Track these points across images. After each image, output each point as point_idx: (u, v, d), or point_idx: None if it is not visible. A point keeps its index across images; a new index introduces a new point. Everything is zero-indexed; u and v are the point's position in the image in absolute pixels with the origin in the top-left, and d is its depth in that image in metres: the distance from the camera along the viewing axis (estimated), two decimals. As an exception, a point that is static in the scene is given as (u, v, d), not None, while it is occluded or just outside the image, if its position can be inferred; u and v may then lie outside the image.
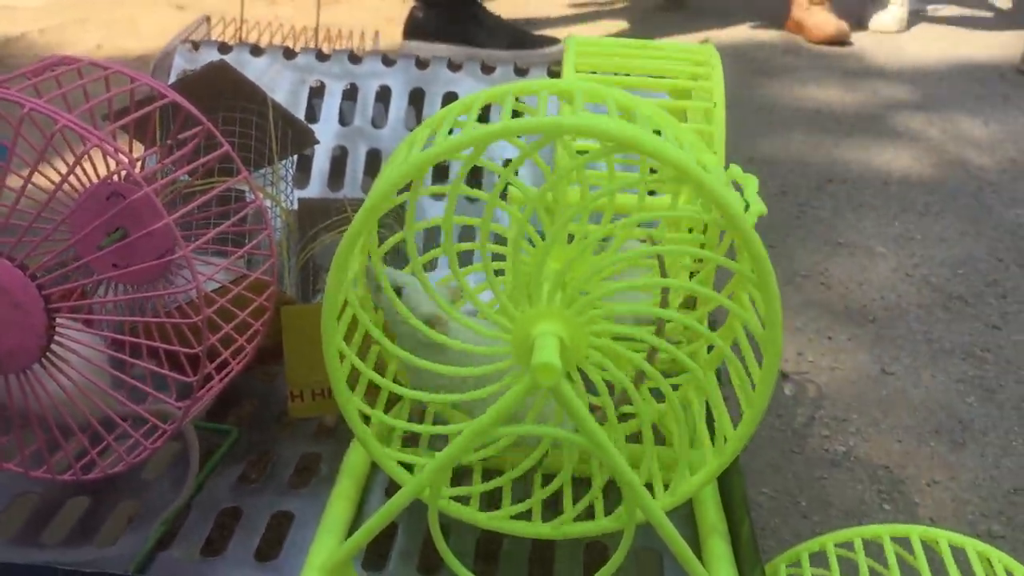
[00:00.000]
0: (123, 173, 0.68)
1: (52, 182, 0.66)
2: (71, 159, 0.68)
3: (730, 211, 0.54)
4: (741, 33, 3.68)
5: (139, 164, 0.67)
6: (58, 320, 0.61)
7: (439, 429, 0.64)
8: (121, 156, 0.58)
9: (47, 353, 0.62)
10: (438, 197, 1.07)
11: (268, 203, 0.82)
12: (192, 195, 0.82)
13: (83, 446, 0.68)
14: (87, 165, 0.69)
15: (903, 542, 0.79)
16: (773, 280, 0.58)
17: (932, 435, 1.38)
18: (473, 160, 0.58)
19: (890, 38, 3.68)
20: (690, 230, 0.80)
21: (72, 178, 0.66)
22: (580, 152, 0.75)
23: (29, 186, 0.62)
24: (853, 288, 1.80)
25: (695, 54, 0.77)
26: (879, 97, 2.96)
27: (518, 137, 0.62)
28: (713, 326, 0.81)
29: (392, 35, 3.58)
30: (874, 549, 0.79)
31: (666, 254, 0.77)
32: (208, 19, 1.83)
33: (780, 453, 1.34)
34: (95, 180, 0.70)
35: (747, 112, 2.77)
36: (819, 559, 0.81)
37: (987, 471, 1.33)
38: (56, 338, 0.62)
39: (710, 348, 0.76)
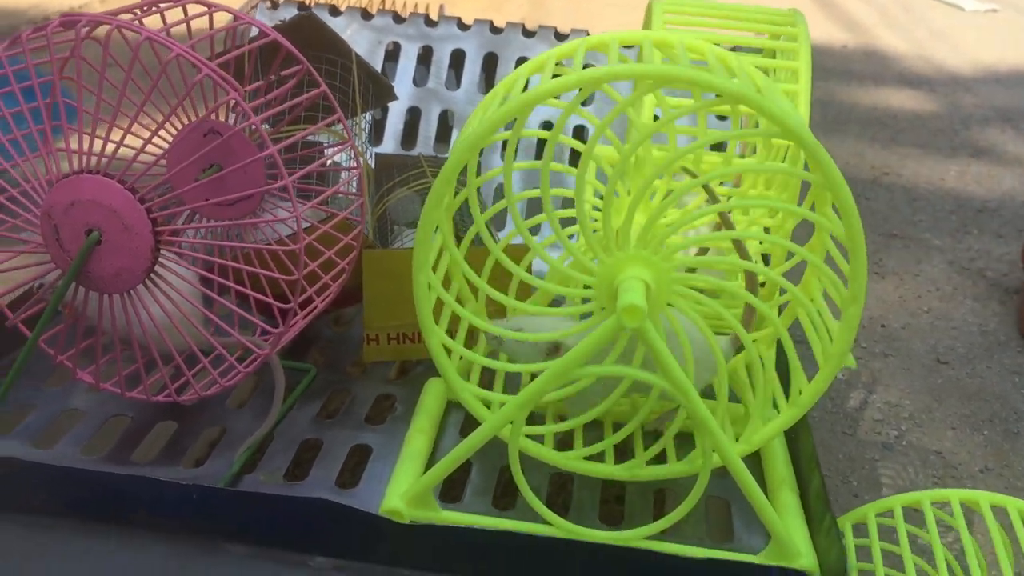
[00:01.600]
0: (220, 110, 0.70)
1: (155, 118, 0.68)
2: (171, 94, 0.70)
3: (827, 166, 0.56)
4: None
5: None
6: (162, 245, 0.64)
7: (523, 367, 0.66)
8: (232, 87, 0.60)
9: (150, 275, 0.65)
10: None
11: (356, 148, 0.84)
12: (280, 138, 0.84)
13: (178, 369, 0.71)
14: (184, 103, 0.72)
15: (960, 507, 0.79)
16: (861, 237, 0.59)
17: (986, 423, 1.38)
18: (576, 103, 0.59)
19: (948, 35, 3.64)
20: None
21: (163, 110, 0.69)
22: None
23: (138, 115, 0.65)
24: (908, 279, 1.79)
25: (781, 16, 0.77)
26: (936, 95, 2.93)
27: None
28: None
29: (453, 8, 3.60)
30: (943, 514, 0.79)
31: (747, 206, 0.78)
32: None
33: (832, 434, 1.34)
34: (192, 118, 0.73)
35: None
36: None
37: (1042, 460, 1.32)
38: (159, 262, 0.64)
39: (780, 310, 0.77)
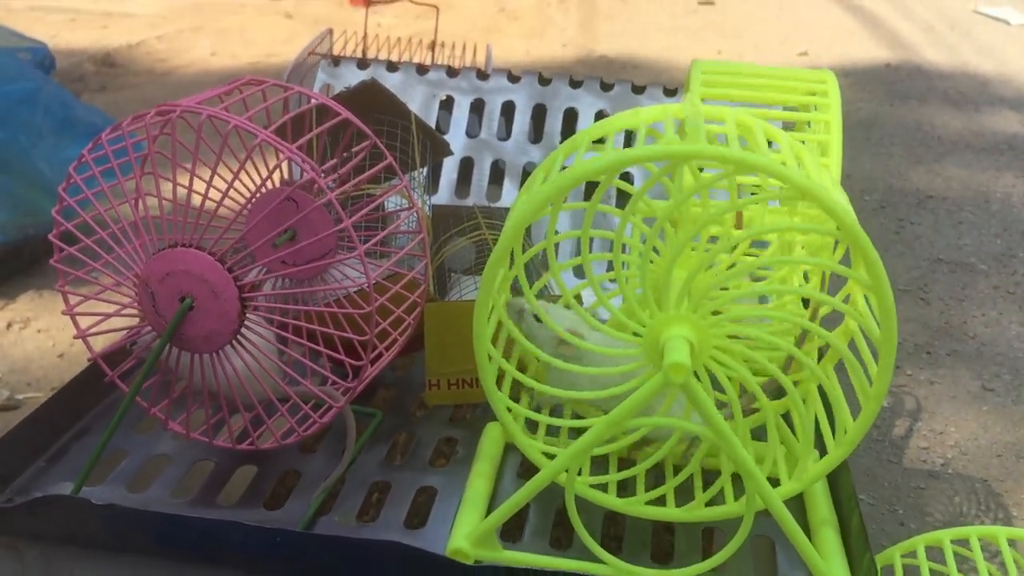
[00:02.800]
0: (303, 181, 0.77)
1: (243, 191, 0.75)
2: (248, 166, 0.77)
3: (846, 221, 0.60)
4: (838, 50, 3.66)
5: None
6: (248, 309, 0.70)
7: (578, 423, 0.71)
8: (310, 167, 0.67)
9: (237, 336, 0.71)
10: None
11: (420, 211, 0.90)
12: (349, 202, 0.90)
13: (256, 417, 0.77)
14: (262, 172, 0.78)
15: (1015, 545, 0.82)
16: (887, 283, 0.63)
17: (1032, 451, 1.40)
18: (609, 182, 0.65)
19: (994, 51, 3.62)
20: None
21: (247, 184, 0.76)
22: (700, 169, 0.82)
23: (219, 191, 0.72)
24: (952, 304, 1.81)
25: (813, 78, 0.82)
26: (981, 113, 2.92)
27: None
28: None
29: (498, 37, 3.68)
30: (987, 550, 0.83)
31: (784, 264, 0.83)
32: (331, 32, 1.94)
33: (877, 462, 1.37)
34: (268, 186, 0.79)
35: (846, 127, 2.78)
36: (933, 555, 0.84)
37: (1088, 488, 1.34)
38: (245, 323, 0.71)
39: (820, 352, 0.81)
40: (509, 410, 0.71)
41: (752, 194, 0.90)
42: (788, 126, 0.95)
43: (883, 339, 0.63)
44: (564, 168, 0.66)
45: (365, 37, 1.83)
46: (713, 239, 0.86)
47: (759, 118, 0.71)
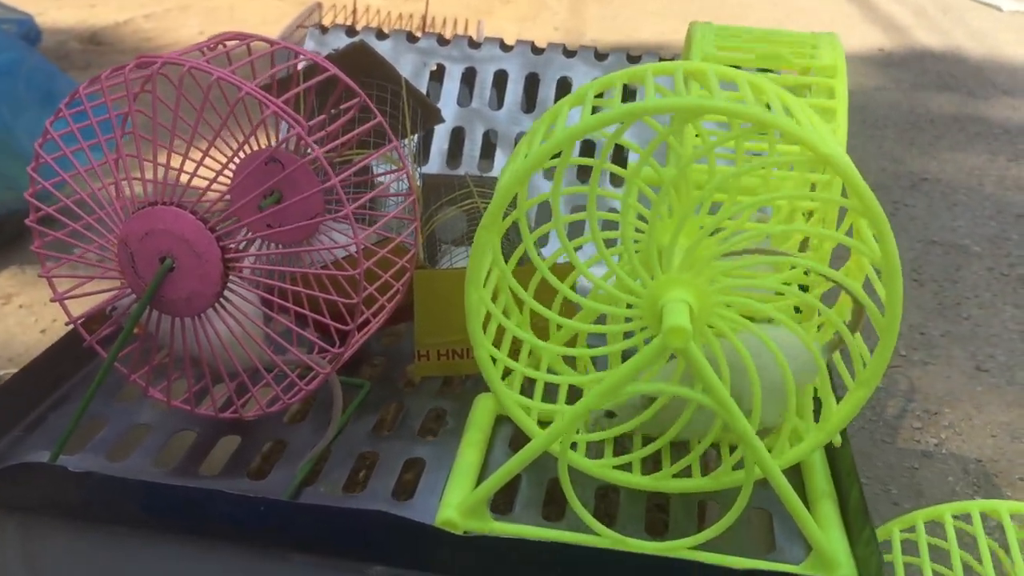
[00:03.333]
0: (292, 139, 0.74)
1: (221, 149, 0.72)
2: (237, 126, 0.74)
3: (863, 193, 0.58)
4: (838, 27, 3.64)
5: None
6: (230, 270, 0.68)
7: (563, 379, 0.69)
8: (298, 123, 0.64)
9: (219, 300, 0.69)
10: (547, 180, 1.12)
11: (411, 173, 0.87)
12: (338, 164, 0.88)
13: (241, 385, 0.75)
14: (243, 133, 0.75)
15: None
16: (898, 266, 0.61)
17: (1026, 432, 1.39)
18: (618, 135, 0.62)
19: (986, 37, 3.61)
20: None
21: (233, 143, 0.73)
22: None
23: (210, 148, 0.69)
24: (947, 286, 1.80)
25: (816, 39, 0.80)
26: (975, 98, 2.91)
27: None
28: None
29: (491, 19, 3.64)
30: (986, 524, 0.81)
31: (783, 233, 0.80)
32: (320, 6, 1.91)
33: (872, 442, 1.36)
34: (254, 147, 0.77)
35: (839, 109, 2.76)
36: (932, 529, 0.83)
37: (1083, 468, 1.33)
38: (228, 286, 0.68)
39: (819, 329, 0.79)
40: (492, 359, 0.69)
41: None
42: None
43: (885, 323, 0.62)
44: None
45: (355, 11, 1.80)
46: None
47: (768, 79, 0.69)
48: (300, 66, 0.81)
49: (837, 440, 0.73)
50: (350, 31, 1.21)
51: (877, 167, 2.36)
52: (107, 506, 0.68)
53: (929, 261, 1.89)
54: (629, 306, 0.66)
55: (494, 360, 0.70)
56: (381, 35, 1.20)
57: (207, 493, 0.66)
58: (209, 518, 0.68)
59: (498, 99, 1.18)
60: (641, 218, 0.80)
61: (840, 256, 0.75)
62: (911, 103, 2.84)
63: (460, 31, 1.97)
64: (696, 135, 0.79)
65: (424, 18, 1.92)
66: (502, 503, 0.74)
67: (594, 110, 0.65)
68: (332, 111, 0.74)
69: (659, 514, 0.78)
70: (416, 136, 1.02)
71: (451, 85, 1.17)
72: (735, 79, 0.68)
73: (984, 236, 2.00)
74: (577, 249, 1.01)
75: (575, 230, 1.11)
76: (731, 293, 0.65)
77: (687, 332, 0.61)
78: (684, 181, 0.78)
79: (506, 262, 0.73)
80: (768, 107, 0.64)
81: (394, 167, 0.92)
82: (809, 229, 0.66)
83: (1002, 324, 1.68)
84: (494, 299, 0.73)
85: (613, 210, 0.94)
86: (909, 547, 0.81)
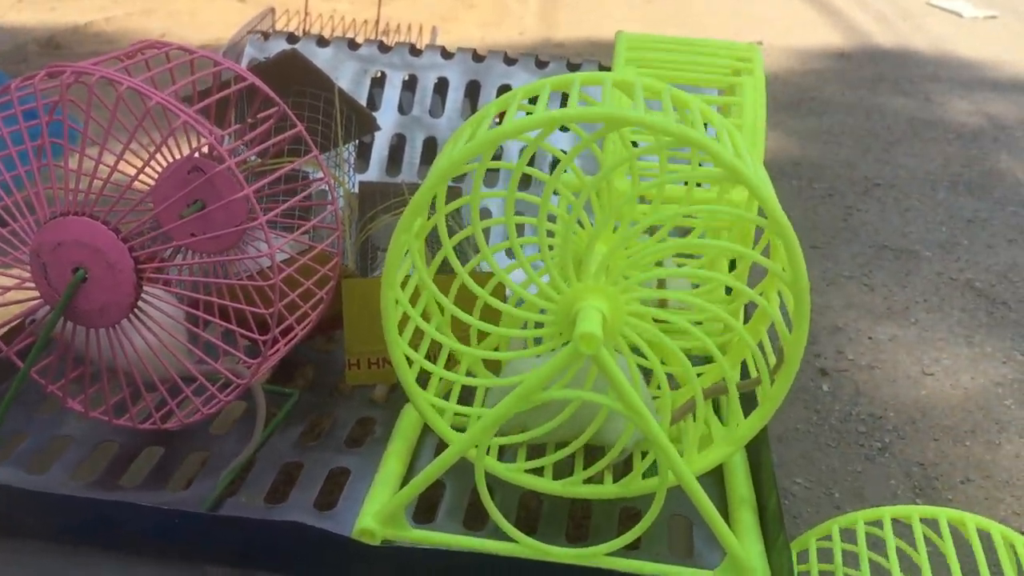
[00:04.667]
0: (204, 149, 0.74)
1: (140, 157, 0.72)
2: (157, 135, 0.74)
3: (776, 214, 0.59)
4: (793, 38, 3.68)
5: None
6: (144, 281, 0.67)
7: (488, 381, 0.69)
8: (208, 133, 0.64)
9: (134, 310, 0.68)
10: (488, 183, 1.12)
11: (332, 182, 0.87)
12: (263, 173, 0.87)
13: (162, 398, 0.74)
14: (170, 142, 0.75)
15: (931, 524, 0.82)
16: (806, 283, 0.62)
17: (968, 435, 1.40)
18: (539, 141, 0.62)
19: (944, 42, 3.66)
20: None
21: (157, 153, 0.73)
22: (633, 143, 0.80)
23: (122, 160, 0.69)
24: (896, 290, 1.82)
25: (739, 51, 0.81)
26: (931, 103, 2.95)
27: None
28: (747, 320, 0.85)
29: (445, 33, 3.65)
30: (902, 531, 0.82)
31: (706, 250, 0.81)
32: (273, 11, 1.90)
33: (816, 446, 1.37)
34: (178, 156, 0.76)
35: (797, 115, 2.79)
36: (849, 536, 0.84)
37: (1022, 471, 1.35)
38: (142, 297, 0.68)
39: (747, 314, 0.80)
40: (408, 360, 0.69)
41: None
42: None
43: (793, 339, 0.62)
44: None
45: (307, 16, 1.80)
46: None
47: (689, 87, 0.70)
48: (225, 76, 0.80)
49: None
50: (291, 38, 1.20)
51: (832, 173, 2.38)
52: (20, 520, 0.68)
53: (880, 266, 1.91)
54: (544, 311, 0.66)
55: (410, 362, 0.70)
56: (322, 42, 1.20)
57: (122, 506, 0.66)
58: (125, 532, 0.67)
59: (440, 106, 1.18)
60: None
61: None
62: (867, 108, 2.87)
63: (415, 37, 1.97)
64: (627, 144, 0.79)
65: (377, 23, 1.91)
66: (426, 510, 0.74)
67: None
68: (250, 120, 0.74)
69: (584, 519, 0.78)
70: (351, 143, 1.01)
71: (392, 92, 1.17)
72: (660, 92, 0.69)
73: (935, 241, 2.03)
74: (501, 252, 1.02)
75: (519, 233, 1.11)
76: (645, 303, 0.65)
77: (598, 339, 0.61)
78: (605, 189, 0.78)
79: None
80: (689, 122, 0.65)
81: (329, 174, 0.92)
82: (725, 245, 0.66)
83: (948, 328, 1.70)
84: (415, 300, 0.74)
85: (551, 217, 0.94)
86: (825, 555, 0.82)
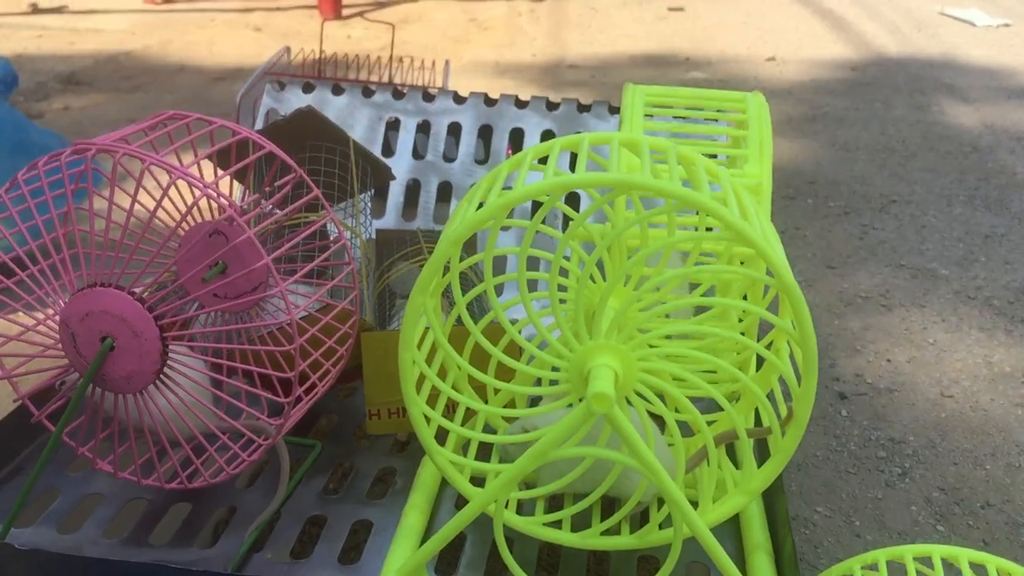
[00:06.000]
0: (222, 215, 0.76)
1: (164, 226, 0.74)
2: (177, 200, 0.76)
3: (783, 275, 0.60)
4: (805, 54, 3.68)
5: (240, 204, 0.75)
6: (169, 345, 0.70)
7: (497, 438, 0.70)
8: (226, 203, 0.66)
9: (160, 376, 0.70)
10: (502, 229, 1.14)
11: (348, 235, 0.89)
12: (281, 232, 0.90)
13: (188, 457, 0.76)
14: (200, 209, 0.77)
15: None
16: (814, 342, 0.63)
17: (988, 458, 1.40)
18: (552, 202, 0.64)
19: (958, 52, 3.65)
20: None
21: (173, 217, 0.75)
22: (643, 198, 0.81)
23: (138, 226, 0.71)
24: (914, 310, 1.81)
25: (745, 103, 0.82)
26: (945, 116, 2.94)
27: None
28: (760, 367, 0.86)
29: (459, 55, 3.68)
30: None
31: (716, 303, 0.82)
32: (288, 50, 1.94)
33: (835, 473, 1.37)
34: (198, 220, 0.78)
35: (811, 133, 2.79)
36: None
37: (1042, 496, 1.34)
38: (168, 362, 0.70)
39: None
40: (425, 418, 0.70)
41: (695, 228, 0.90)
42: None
43: (801, 394, 0.63)
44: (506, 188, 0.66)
45: (321, 56, 1.83)
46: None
47: (700, 153, 0.71)
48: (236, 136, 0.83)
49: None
50: (307, 87, 1.23)
51: (848, 190, 2.38)
52: (54, 581, 0.70)
53: (897, 286, 1.91)
54: (556, 369, 0.68)
55: (428, 420, 0.71)
56: (337, 90, 1.23)
57: (150, 568, 0.68)
58: (155, 591, 0.69)
59: (453, 149, 1.21)
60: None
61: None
62: (882, 123, 2.87)
63: (428, 69, 1.99)
64: (636, 201, 0.80)
65: (391, 56, 1.94)
66: (448, 563, 0.76)
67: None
68: (267, 188, 0.76)
69: (604, 567, 0.79)
70: (367, 194, 1.04)
71: (406, 138, 1.20)
72: (666, 150, 0.70)
73: (952, 259, 2.03)
74: (519, 305, 1.03)
75: (531, 286, 1.13)
76: (657, 361, 0.67)
77: (610, 399, 0.63)
78: (616, 246, 0.80)
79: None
80: (696, 181, 0.66)
81: (347, 232, 0.94)
82: (733, 303, 0.67)
83: (967, 348, 1.69)
84: (432, 357, 0.75)
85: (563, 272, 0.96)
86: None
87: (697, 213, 0.77)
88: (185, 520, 0.79)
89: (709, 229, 0.92)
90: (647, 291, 0.67)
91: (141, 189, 0.68)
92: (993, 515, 1.29)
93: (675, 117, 0.85)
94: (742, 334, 0.87)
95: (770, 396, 0.73)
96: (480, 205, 0.66)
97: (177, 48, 3.93)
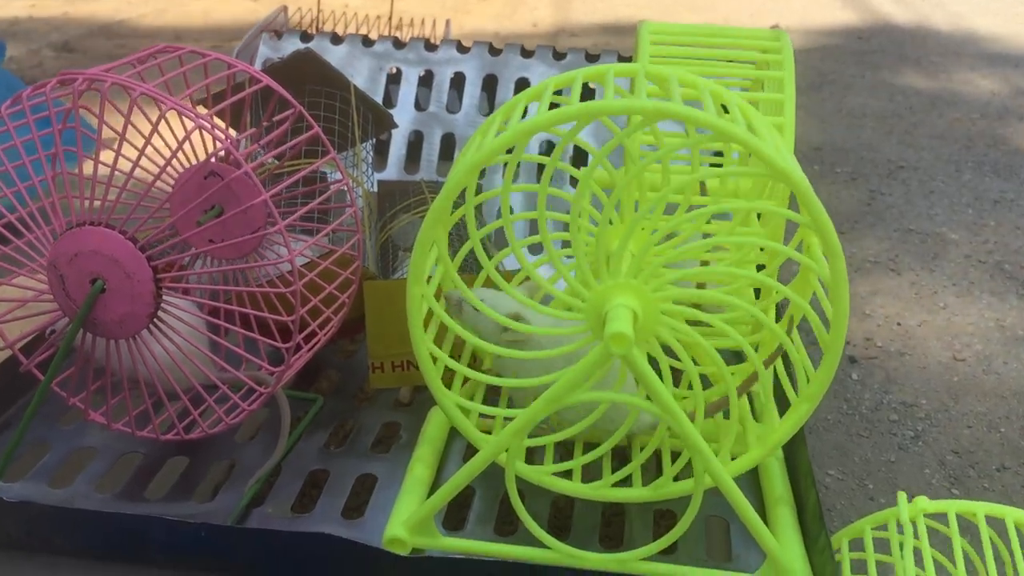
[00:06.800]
0: (221, 153, 0.72)
1: (156, 163, 0.70)
2: (171, 139, 0.73)
3: (818, 212, 0.57)
4: (810, 21, 3.63)
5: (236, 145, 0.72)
6: (164, 289, 0.66)
7: (516, 382, 0.67)
8: (223, 137, 0.62)
9: (154, 320, 0.67)
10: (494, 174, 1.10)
11: (351, 183, 0.86)
12: (280, 175, 0.86)
13: (185, 408, 0.73)
14: (185, 147, 0.74)
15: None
16: (846, 284, 0.59)
17: (1003, 421, 1.37)
18: (573, 135, 0.60)
19: (963, 19, 3.60)
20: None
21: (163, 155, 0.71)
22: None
23: (135, 166, 0.67)
24: (924, 275, 1.78)
25: (766, 40, 0.78)
26: (953, 82, 2.90)
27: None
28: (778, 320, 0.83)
29: (459, 25, 3.63)
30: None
31: (737, 246, 0.79)
32: (285, 9, 1.89)
33: (848, 436, 1.34)
34: (194, 161, 0.75)
35: (818, 98, 2.75)
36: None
37: (1059, 457, 1.32)
38: (162, 306, 0.67)
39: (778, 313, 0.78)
40: (432, 357, 0.67)
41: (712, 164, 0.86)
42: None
43: (829, 341, 0.60)
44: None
45: (319, 13, 1.78)
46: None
47: (716, 79, 0.68)
48: (239, 77, 0.79)
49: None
50: (305, 36, 1.19)
51: (856, 156, 2.34)
52: (45, 536, 0.67)
53: (906, 250, 1.88)
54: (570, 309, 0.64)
55: (434, 359, 0.68)
56: (336, 39, 1.18)
57: (145, 520, 0.65)
58: (149, 545, 0.66)
59: (457, 101, 1.17)
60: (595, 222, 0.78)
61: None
62: (889, 89, 2.83)
63: (428, 31, 1.95)
64: (659, 138, 0.77)
65: (391, 19, 1.90)
66: (456, 517, 0.73)
67: (553, 107, 0.64)
68: (265, 124, 0.72)
69: (619, 524, 0.76)
70: (369, 142, 1.00)
71: (408, 89, 1.16)
72: (695, 85, 0.66)
73: (961, 223, 1.99)
74: (536, 251, 1.00)
75: (532, 231, 1.09)
76: (677, 301, 0.63)
77: (629, 339, 0.59)
78: (636, 185, 0.76)
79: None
80: (730, 118, 0.62)
81: (351, 176, 0.91)
82: (760, 240, 0.64)
83: (979, 312, 1.66)
84: (438, 297, 0.72)
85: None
86: (881, 545, 0.80)
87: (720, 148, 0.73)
88: (182, 474, 0.76)
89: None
90: (672, 227, 0.64)
91: (131, 124, 0.64)
92: (1009, 478, 1.26)
93: (693, 58, 0.81)
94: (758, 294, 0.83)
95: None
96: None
97: (173, 17, 3.87)
